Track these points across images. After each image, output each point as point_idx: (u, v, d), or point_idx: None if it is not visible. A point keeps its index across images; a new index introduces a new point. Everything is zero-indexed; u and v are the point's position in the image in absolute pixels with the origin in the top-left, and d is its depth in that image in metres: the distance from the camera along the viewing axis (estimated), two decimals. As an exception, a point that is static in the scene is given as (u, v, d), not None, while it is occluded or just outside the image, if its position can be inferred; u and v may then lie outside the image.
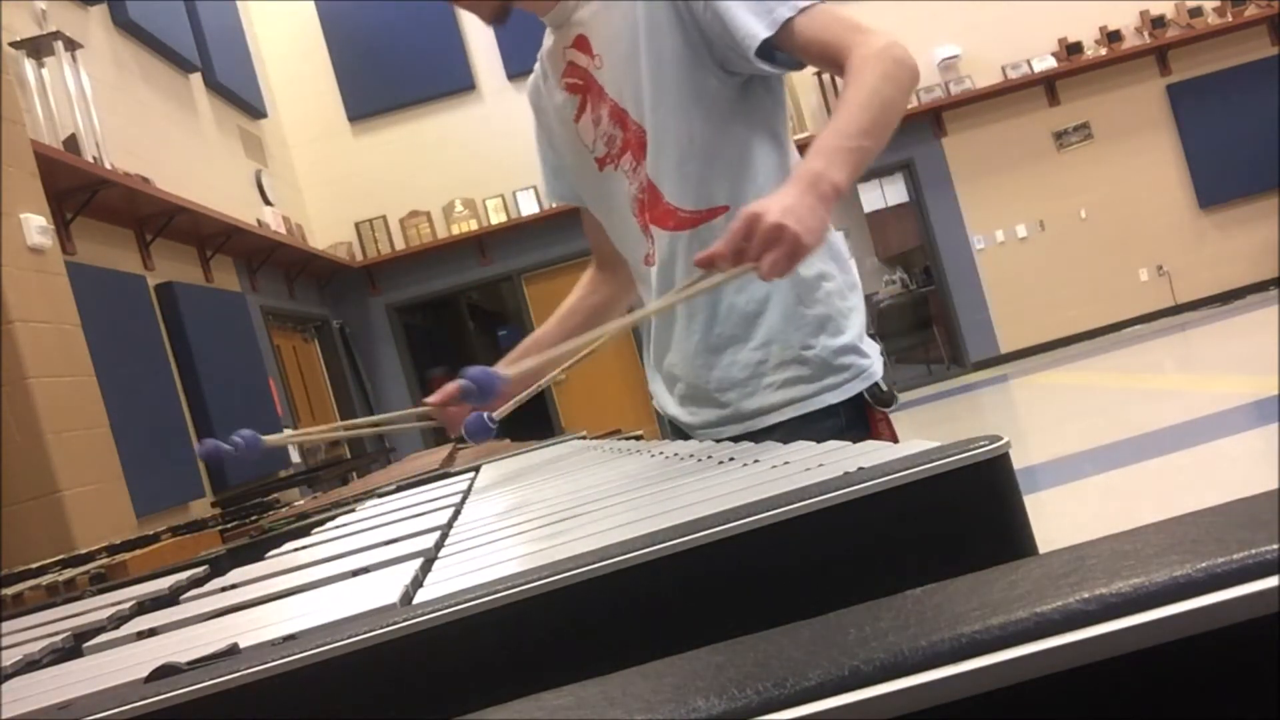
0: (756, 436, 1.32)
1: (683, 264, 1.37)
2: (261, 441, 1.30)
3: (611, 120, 1.39)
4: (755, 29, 1.25)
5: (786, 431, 1.31)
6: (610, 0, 1.36)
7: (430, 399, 1.50)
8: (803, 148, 1.38)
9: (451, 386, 1.48)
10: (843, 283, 1.37)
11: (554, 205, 9.06)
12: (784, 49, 1.27)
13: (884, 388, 1.35)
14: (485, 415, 1.19)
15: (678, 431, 1.50)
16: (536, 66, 1.52)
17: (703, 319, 1.37)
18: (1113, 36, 9.80)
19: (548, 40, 1.49)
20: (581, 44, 1.40)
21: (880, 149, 1.21)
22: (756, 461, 0.84)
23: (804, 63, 1.29)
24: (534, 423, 8.45)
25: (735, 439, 1.35)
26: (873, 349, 1.38)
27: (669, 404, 1.49)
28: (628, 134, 1.38)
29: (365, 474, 5.22)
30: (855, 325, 1.36)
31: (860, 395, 1.33)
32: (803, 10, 1.25)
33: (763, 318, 1.34)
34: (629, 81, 1.35)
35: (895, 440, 1.31)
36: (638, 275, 1.49)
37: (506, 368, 1.21)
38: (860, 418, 1.33)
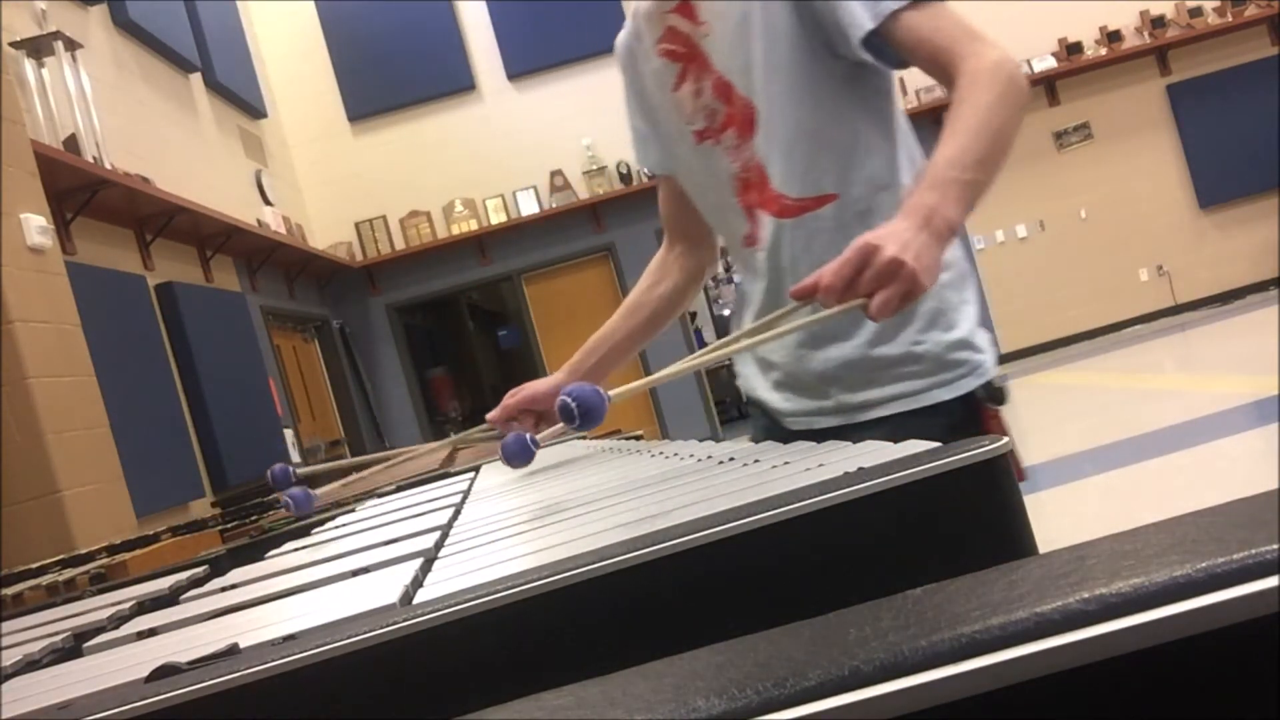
0: (859, 429, 1.27)
1: (788, 253, 1.31)
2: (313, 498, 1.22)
3: (715, 94, 1.32)
4: (861, 19, 1.19)
5: (893, 426, 1.25)
6: None
7: (492, 415, 1.45)
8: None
9: (514, 401, 1.44)
10: (956, 274, 1.30)
11: (554, 205, 9.00)
12: (891, 44, 1.21)
13: (997, 384, 1.28)
14: (528, 437, 1.04)
15: (765, 416, 1.44)
16: (629, 24, 1.43)
17: (806, 310, 1.33)
18: (1113, 36, 9.81)
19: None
20: (686, 9, 1.32)
21: (993, 181, 1.14)
22: (757, 461, 0.84)
23: (909, 62, 1.22)
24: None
25: (836, 430, 1.30)
26: (986, 343, 1.31)
27: (760, 388, 1.43)
28: (732, 109, 1.31)
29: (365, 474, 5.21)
30: (968, 319, 1.29)
31: (972, 392, 1.27)
32: (914, 4, 1.18)
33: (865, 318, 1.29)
34: (738, 55, 1.29)
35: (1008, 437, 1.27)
36: (736, 255, 1.42)
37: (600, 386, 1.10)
38: (971, 415, 1.26)
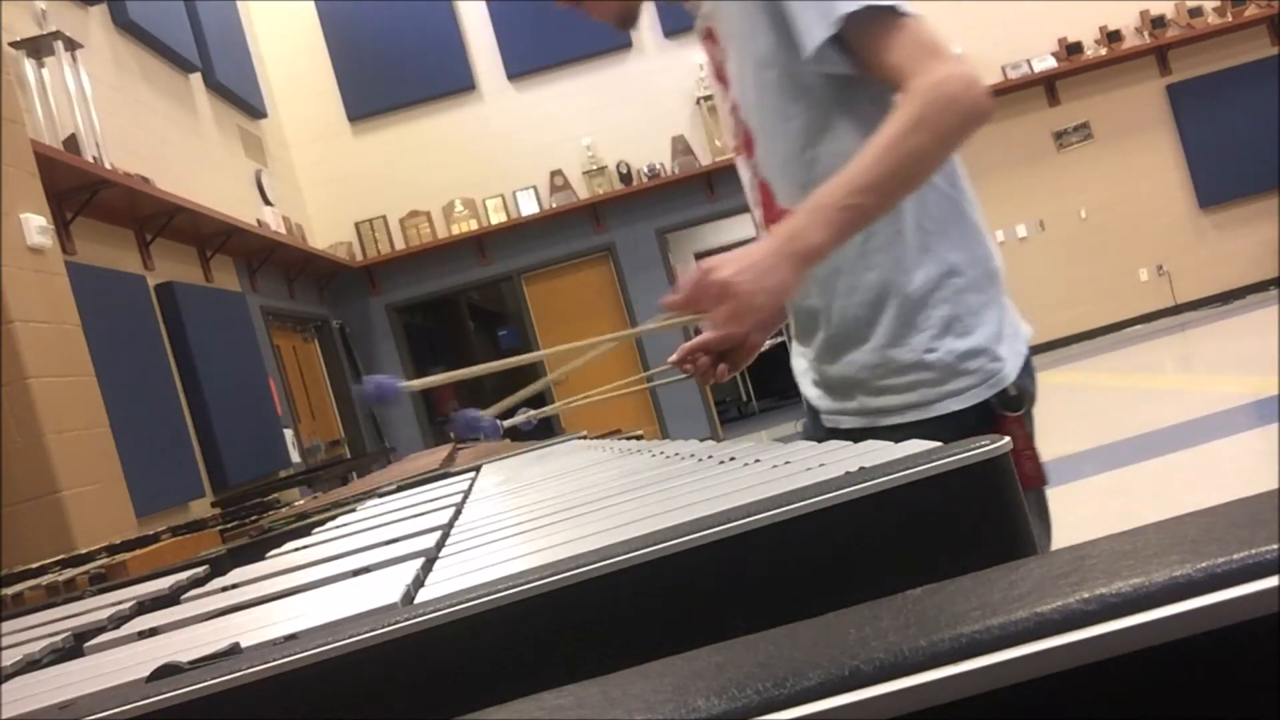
0: (878, 433, 1.29)
1: None
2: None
3: (734, 114, 1.38)
4: (815, 29, 1.17)
5: (907, 432, 1.26)
6: None
7: (673, 357, 1.48)
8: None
9: (690, 345, 1.47)
10: (976, 276, 1.28)
11: (554, 205, 9.00)
12: (852, 52, 1.19)
13: (1014, 391, 1.26)
14: (396, 381, 1.13)
15: (810, 408, 1.48)
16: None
17: (823, 318, 1.34)
18: (1113, 36, 9.81)
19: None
20: (710, 36, 1.39)
21: (891, 204, 1.15)
22: (757, 461, 0.84)
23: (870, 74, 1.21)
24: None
25: (859, 431, 1.33)
26: (1012, 347, 1.29)
27: (805, 383, 1.47)
28: (740, 128, 1.37)
29: (365, 474, 5.21)
30: (988, 323, 1.28)
31: (986, 400, 1.26)
32: (873, 10, 1.15)
33: (877, 322, 1.28)
34: (739, 79, 1.33)
35: (1030, 443, 1.27)
36: None
37: None
38: (988, 422, 1.26)
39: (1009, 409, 1.27)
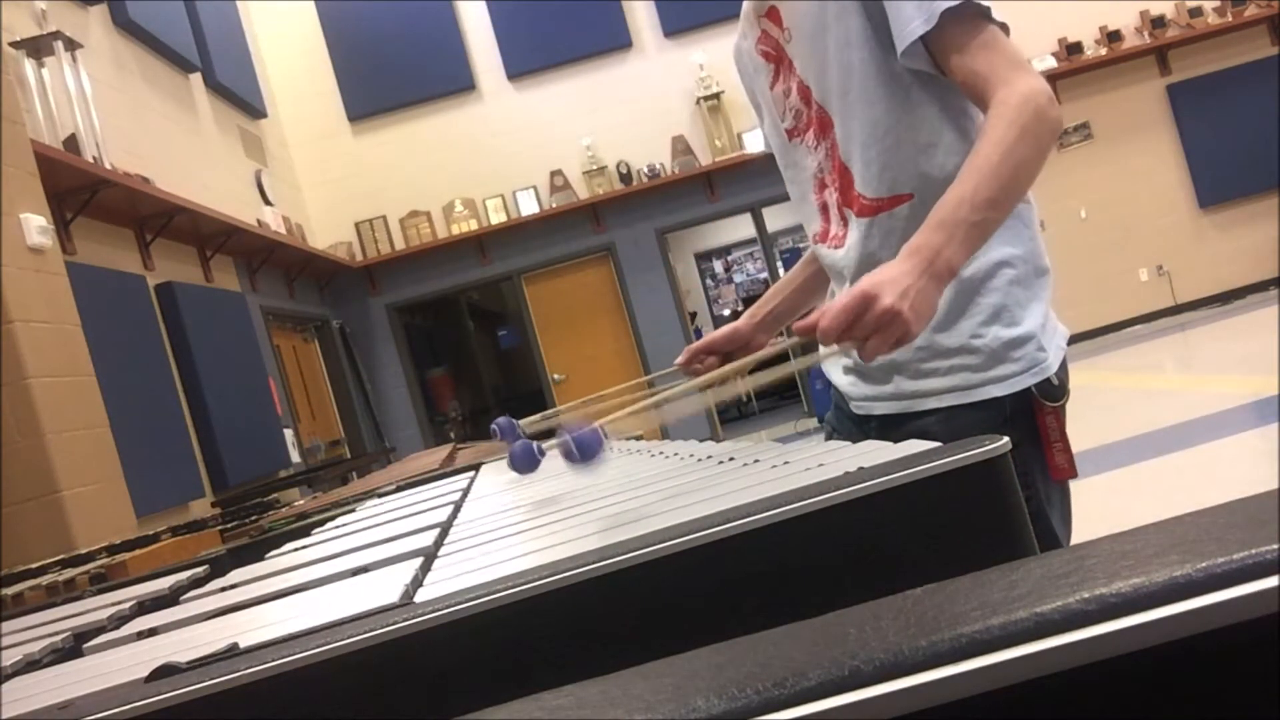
0: (914, 417, 1.31)
1: (863, 251, 1.34)
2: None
3: (799, 96, 1.37)
4: (914, 23, 1.20)
5: (945, 415, 1.29)
6: None
7: (680, 359, 1.48)
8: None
9: (698, 345, 1.49)
10: (1026, 270, 1.32)
11: (554, 205, 8.98)
12: (933, 50, 1.22)
13: (1055, 381, 1.29)
14: (536, 445, 1.05)
15: (838, 397, 1.48)
16: (741, 22, 1.48)
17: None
18: (1113, 36, 9.81)
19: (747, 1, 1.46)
20: (774, 15, 1.38)
21: (1006, 216, 1.16)
22: (757, 461, 0.84)
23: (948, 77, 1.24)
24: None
25: (893, 416, 1.34)
26: (1053, 341, 1.32)
27: (834, 372, 1.47)
28: (811, 111, 1.36)
29: (365, 474, 5.21)
30: (1035, 315, 1.31)
31: (1028, 388, 1.28)
32: (970, 10, 1.18)
33: None
34: (814, 62, 1.33)
35: (1064, 435, 1.27)
36: (818, 253, 1.46)
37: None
38: (1026, 410, 1.28)
39: (1049, 399, 1.28)
